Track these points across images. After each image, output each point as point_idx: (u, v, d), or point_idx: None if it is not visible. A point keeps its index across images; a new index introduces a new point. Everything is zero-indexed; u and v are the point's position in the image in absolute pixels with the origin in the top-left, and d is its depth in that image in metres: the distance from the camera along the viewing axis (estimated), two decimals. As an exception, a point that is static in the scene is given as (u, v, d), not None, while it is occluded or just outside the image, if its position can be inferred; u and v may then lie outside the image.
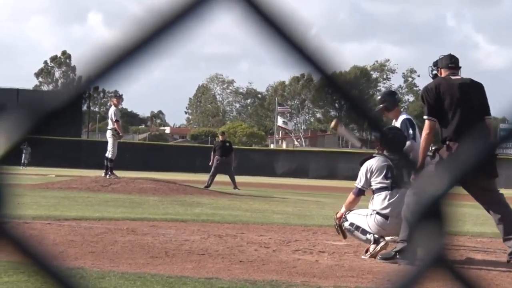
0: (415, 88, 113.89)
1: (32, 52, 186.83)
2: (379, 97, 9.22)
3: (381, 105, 8.83)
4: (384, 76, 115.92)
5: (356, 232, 7.46)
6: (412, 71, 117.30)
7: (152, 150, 54.56)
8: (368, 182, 7.53)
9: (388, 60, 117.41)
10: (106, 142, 19.11)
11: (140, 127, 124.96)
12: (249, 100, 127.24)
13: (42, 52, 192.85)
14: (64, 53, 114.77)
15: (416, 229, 0.92)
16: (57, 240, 7.52)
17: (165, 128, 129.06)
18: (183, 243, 7.78)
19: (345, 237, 7.72)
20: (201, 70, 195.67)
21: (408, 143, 8.34)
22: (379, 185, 7.47)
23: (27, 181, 19.34)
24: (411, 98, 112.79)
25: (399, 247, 7.02)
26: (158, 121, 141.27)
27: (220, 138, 25.10)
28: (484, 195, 7.02)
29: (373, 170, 7.50)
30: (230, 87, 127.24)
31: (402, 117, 8.83)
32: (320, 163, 54.15)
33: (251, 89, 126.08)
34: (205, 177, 24.72)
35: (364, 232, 7.38)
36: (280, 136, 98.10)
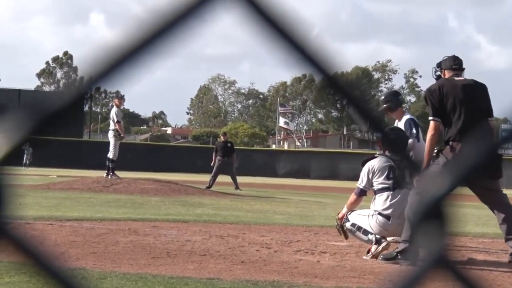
0: (416, 89, 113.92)
1: (34, 52, 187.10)
2: (383, 97, 9.21)
3: (384, 105, 8.84)
4: (386, 77, 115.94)
5: (357, 233, 7.46)
6: (413, 71, 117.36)
7: (153, 151, 54.58)
8: (370, 183, 7.53)
9: (390, 60, 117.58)
10: (108, 143, 19.11)
11: (142, 127, 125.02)
12: (251, 101, 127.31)
13: (44, 53, 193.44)
14: (66, 53, 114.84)
15: (418, 229, 0.92)
16: (58, 240, 7.52)
17: (167, 128, 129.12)
18: (184, 243, 7.78)
19: (346, 237, 7.72)
20: (203, 71, 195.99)
21: (410, 141, 8.37)
22: (381, 186, 7.47)
23: (28, 182, 19.35)
24: (412, 98, 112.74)
25: (401, 247, 7.02)
26: (160, 121, 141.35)
27: (222, 138, 25.11)
28: (487, 195, 7.02)
29: (375, 170, 7.50)
30: (232, 88, 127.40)
31: (406, 117, 8.84)
32: (321, 164, 54.18)
33: (253, 89, 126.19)
34: (206, 177, 24.72)
35: (366, 232, 7.37)
36: (281, 136, 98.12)
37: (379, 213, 7.37)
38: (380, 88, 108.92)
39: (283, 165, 54.82)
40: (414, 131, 8.55)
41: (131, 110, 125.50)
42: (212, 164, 23.70)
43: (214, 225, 10.18)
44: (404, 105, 9.29)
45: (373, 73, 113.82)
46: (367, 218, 7.43)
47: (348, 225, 7.56)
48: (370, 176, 7.52)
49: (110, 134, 18.87)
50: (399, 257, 6.97)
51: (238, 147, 40.58)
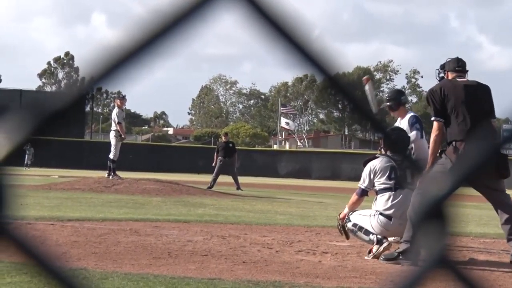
0: (418, 89, 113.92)
1: (36, 53, 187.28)
2: (386, 95, 9.30)
3: (387, 103, 8.88)
4: (387, 77, 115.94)
5: (359, 233, 7.46)
6: (415, 72, 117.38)
7: (155, 151, 54.60)
8: (371, 183, 7.53)
9: (391, 61, 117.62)
10: (109, 143, 19.13)
11: (143, 128, 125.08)
12: (252, 101, 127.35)
13: (46, 53, 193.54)
14: (67, 54, 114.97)
15: (419, 229, 0.92)
16: (60, 240, 7.53)
17: (168, 129, 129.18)
18: (186, 243, 7.78)
19: (348, 237, 7.72)
20: (204, 71, 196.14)
21: (413, 133, 8.42)
22: (382, 186, 7.46)
23: (30, 182, 19.35)
24: (414, 99, 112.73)
25: (402, 247, 7.02)
26: (161, 122, 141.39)
27: (223, 139, 25.11)
28: (490, 194, 7.02)
29: (377, 170, 7.50)
30: (233, 88, 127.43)
31: (409, 114, 8.88)
32: (323, 164, 54.19)
33: (254, 90, 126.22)
34: (208, 178, 24.72)
35: (367, 232, 7.37)
36: (283, 137, 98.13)
37: (381, 213, 7.37)
38: (381, 89, 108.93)
39: (284, 165, 54.84)
40: (417, 125, 8.61)
41: (132, 111, 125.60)
42: (213, 164, 23.70)
43: (216, 225, 10.18)
44: (407, 105, 9.32)
45: (375, 73, 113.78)
46: (368, 218, 7.43)
47: (349, 225, 7.56)
48: (372, 176, 7.51)
49: (112, 135, 18.89)
50: (401, 257, 6.97)
51: (239, 147, 40.58)
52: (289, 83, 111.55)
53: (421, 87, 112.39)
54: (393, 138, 7.51)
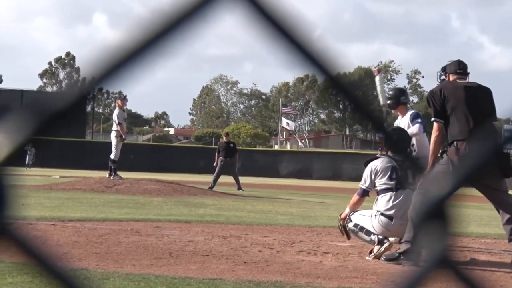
0: (419, 89, 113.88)
1: (37, 53, 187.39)
2: (389, 92, 9.34)
3: (388, 101, 8.91)
4: (389, 77, 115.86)
5: (360, 233, 7.45)
6: (416, 72, 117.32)
7: (156, 151, 54.60)
8: (372, 183, 7.52)
9: (393, 61, 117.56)
10: (110, 143, 19.14)
11: (144, 128, 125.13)
12: (253, 101, 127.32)
13: (47, 53, 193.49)
14: (68, 54, 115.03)
15: (421, 229, 0.92)
16: (61, 241, 7.53)
17: (169, 129, 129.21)
18: (187, 244, 7.78)
19: (349, 238, 7.72)
20: (205, 71, 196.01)
21: (416, 126, 8.44)
22: (383, 186, 7.46)
23: (31, 182, 19.36)
24: (415, 99, 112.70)
25: (403, 248, 7.02)
26: (162, 122, 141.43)
27: (224, 139, 25.10)
28: (492, 194, 7.01)
29: (378, 171, 7.50)
30: (234, 88, 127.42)
31: (410, 111, 8.92)
32: (324, 164, 54.16)
33: (255, 90, 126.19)
34: (209, 178, 24.73)
35: (368, 233, 7.37)
36: (284, 137, 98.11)
37: (382, 214, 7.36)
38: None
39: (285, 166, 54.82)
40: (419, 120, 8.64)
41: (133, 111, 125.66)
42: (214, 164, 23.70)
43: (217, 225, 10.18)
44: (408, 105, 9.34)
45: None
46: (369, 218, 7.43)
47: (350, 225, 7.55)
48: (373, 176, 7.51)
49: (112, 135, 18.91)
50: (402, 257, 6.97)
51: (240, 147, 40.56)
52: (290, 83, 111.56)
53: (422, 87, 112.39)
54: (394, 138, 7.52)
